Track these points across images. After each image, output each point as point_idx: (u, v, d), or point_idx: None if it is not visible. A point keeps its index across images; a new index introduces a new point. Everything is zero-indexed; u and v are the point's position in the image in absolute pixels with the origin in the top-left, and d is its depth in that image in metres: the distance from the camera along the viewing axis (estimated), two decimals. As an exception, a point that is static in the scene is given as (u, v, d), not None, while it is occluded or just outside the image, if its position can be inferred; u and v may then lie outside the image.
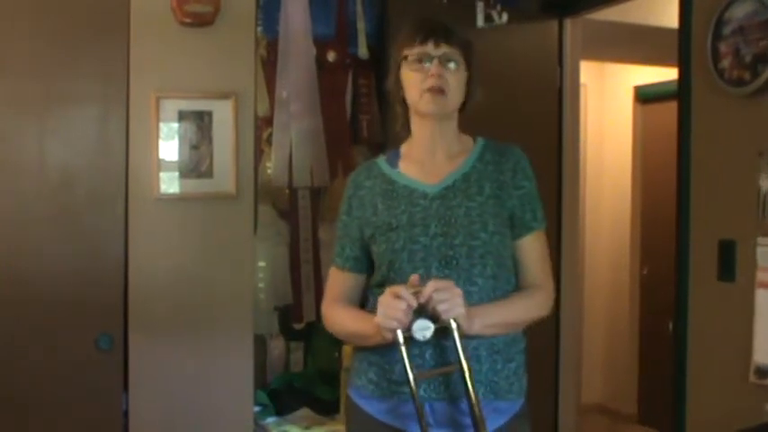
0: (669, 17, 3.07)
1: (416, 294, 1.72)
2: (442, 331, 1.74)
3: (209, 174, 2.81)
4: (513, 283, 1.95)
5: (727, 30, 2.53)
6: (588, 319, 5.72)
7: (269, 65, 3.20)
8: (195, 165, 2.80)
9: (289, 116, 3.21)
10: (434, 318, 1.73)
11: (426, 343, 1.78)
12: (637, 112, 5.78)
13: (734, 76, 2.51)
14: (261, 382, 3.14)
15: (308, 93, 3.23)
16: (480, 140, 2.02)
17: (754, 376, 2.44)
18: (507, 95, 3.10)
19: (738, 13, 2.49)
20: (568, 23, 3.68)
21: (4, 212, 2.57)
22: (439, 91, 1.88)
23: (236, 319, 2.84)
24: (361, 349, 2.00)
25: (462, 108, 1.98)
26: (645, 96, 5.69)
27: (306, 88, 3.23)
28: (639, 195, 5.74)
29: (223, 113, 2.81)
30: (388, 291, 1.75)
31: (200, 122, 2.80)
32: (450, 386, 1.83)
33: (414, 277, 1.76)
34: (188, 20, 2.73)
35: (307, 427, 2.99)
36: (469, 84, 1.95)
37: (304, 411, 3.12)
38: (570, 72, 3.71)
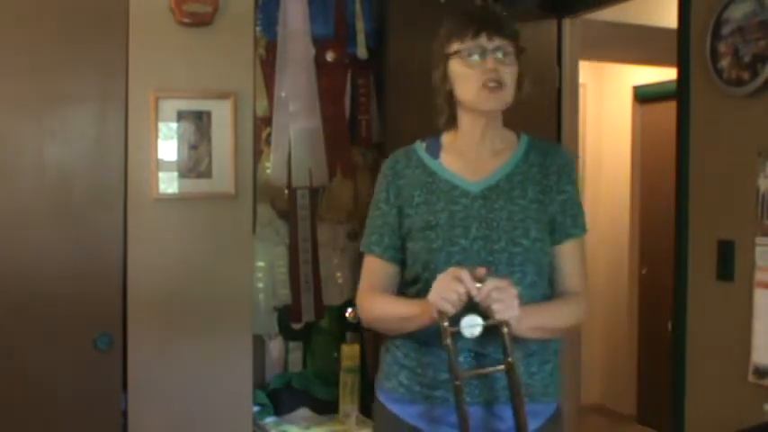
0: (668, 17, 3.07)
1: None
2: (488, 330, 1.67)
3: (207, 174, 2.81)
4: (549, 291, 1.90)
5: (726, 30, 2.53)
6: (587, 319, 5.71)
7: (268, 65, 3.20)
8: (194, 165, 2.80)
9: (287, 116, 3.21)
10: (484, 316, 1.66)
11: (463, 345, 1.74)
12: (636, 111, 5.78)
13: (733, 76, 2.51)
14: (260, 382, 3.14)
15: (306, 93, 3.23)
16: (525, 137, 1.96)
17: (753, 376, 2.44)
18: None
19: (737, 13, 2.49)
20: (567, 23, 3.67)
21: (3, 212, 2.57)
22: (497, 86, 1.82)
23: (234, 318, 2.84)
24: (391, 352, 1.94)
25: None
26: (644, 96, 5.69)
27: (304, 88, 3.22)
28: (638, 195, 5.75)
29: (222, 113, 2.81)
30: (450, 271, 1.68)
31: (199, 122, 2.80)
32: (486, 390, 1.78)
33: (481, 269, 1.68)
34: (187, 20, 2.73)
35: (306, 428, 2.99)
36: (520, 77, 1.88)
37: (303, 411, 3.12)
38: (569, 72, 3.71)
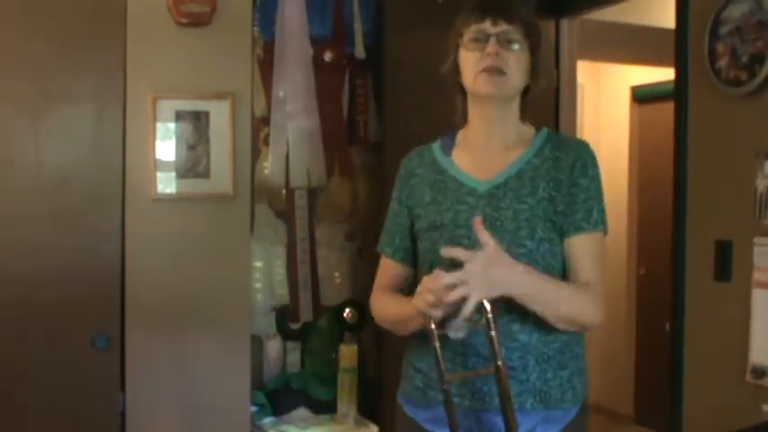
0: (666, 17, 3.07)
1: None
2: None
3: (205, 174, 2.81)
4: None
5: (723, 30, 2.53)
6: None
7: (265, 65, 3.19)
8: (192, 165, 2.80)
9: (285, 116, 3.21)
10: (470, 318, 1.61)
11: (473, 351, 1.72)
12: (633, 112, 5.79)
13: (731, 76, 2.51)
14: (258, 383, 3.14)
15: (304, 93, 3.23)
16: (543, 132, 1.87)
17: (751, 376, 2.44)
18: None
19: (735, 13, 2.49)
20: (565, 24, 3.67)
21: (1, 212, 2.56)
22: (496, 71, 1.74)
23: (233, 319, 2.84)
24: (408, 354, 1.90)
25: (525, 95, 1.85)
26: (641, 96, 5.70)
27: (302, 88, 3.22)
28: (636, 195, 5.75)
29: (220, 114, 2.81)
30: (434, 272, 1.61)
31: (197, 122, 2.80)
32: (483, 395, 1.73)
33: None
34: (185, 20, 2.73)
35: (304, 428, 2.99)
36: (534, 68, 1.81)
37: (301, 411, 3.12)
38: (567, 72, 3.70)
